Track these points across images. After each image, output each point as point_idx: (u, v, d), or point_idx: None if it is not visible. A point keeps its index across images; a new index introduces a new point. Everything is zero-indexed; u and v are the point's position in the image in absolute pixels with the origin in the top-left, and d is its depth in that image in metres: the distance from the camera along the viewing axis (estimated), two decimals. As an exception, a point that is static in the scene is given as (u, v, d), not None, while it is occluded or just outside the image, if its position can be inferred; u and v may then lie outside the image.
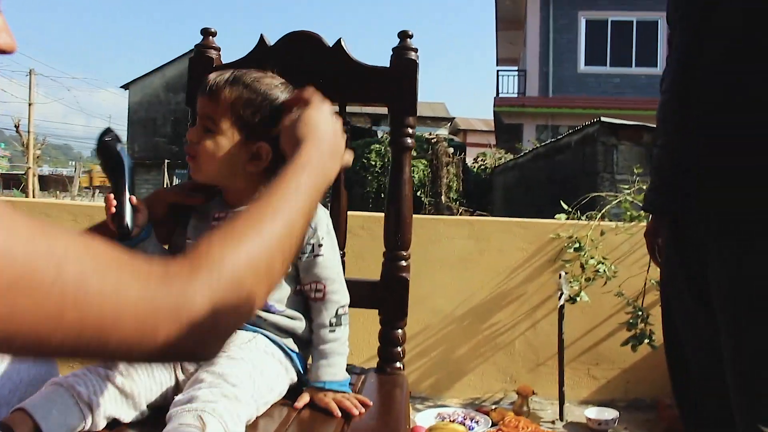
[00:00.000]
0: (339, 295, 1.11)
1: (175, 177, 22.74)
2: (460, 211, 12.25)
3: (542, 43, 16.15)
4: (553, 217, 3.11)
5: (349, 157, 0.99)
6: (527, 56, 16.95)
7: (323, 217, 1.13)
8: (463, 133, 26.02)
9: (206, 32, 1.40)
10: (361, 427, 1.01)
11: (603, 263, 2.83)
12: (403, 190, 1.31)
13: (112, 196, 1.03)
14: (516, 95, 17.67)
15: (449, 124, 26.86)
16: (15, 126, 18.53)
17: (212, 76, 1.11)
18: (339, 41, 1.33)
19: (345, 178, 1.38)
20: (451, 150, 13.11)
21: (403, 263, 1.32)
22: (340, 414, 1.03)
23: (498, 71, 18.74)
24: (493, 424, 2.52)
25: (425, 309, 2.94)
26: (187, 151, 1.11)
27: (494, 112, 16.83)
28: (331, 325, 1.10)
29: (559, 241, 2.96)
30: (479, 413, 2.63)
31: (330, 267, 1.11)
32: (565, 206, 3.13)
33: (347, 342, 1.12)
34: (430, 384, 3.00)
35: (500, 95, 17.61)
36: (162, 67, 25.80)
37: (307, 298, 1.13)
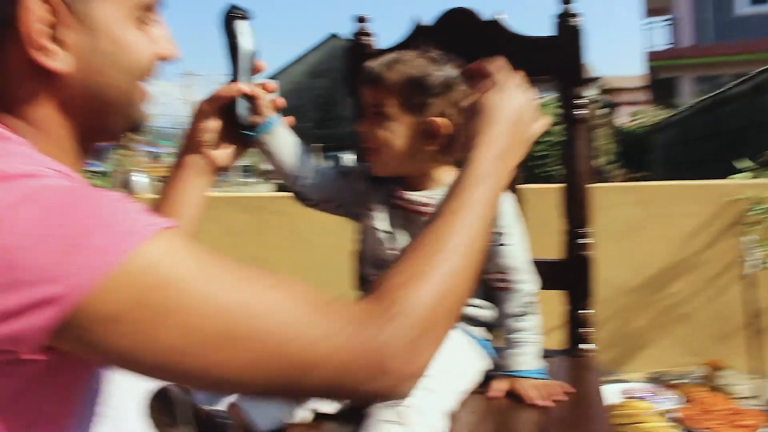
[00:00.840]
0: (526, 285, 1.08)
1: (325, 159, 23.55)
2: (618, 173, 11.70)
3: (696, -14, 14.94)
4: (721, 176, 2.87)
5: (542, 126, 0.94)
6: (678, 3, 15.73)
7: (506, 203, 1.09)
8: (614, 92, 24.77)
9: (360, 19, 1.40)
10: (561, 415, 0.97)
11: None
12: (579, 164, 1.25)
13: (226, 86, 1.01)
14: (669, 46, 16.50)
15: (597, 84, 25.69)
16: (175, 126, 19.99)
17: (371, 64, 1.10)
18: (495, 16, 1.29)
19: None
20: (601, 112, 12.51)
21: (587, 240, 1.26)
22: (543, 402, 1.00)
23: (646, 23, 17.58)
24: (682, 401, 2.38)
25: (595, 282, 2.83)
26: (365, 145, 1.10)
27: (648, 67, 15.84)
28: (518, 314, 1.06)
29: (739, 203, 2.72)
30: (667, 389, 2.49)
31: (515, 256, 1.08)
32: (743, 165, 2.87)
33: (537, 331, 1.08)
34: (610, 358, 2.88)
35: (651, 48, 16.51)
36: (303, 56, 26.73)
37: (494, 287, 1.10)
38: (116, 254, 0.54)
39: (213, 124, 1.01)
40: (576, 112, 1.25)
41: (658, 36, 17.51)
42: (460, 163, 1.12)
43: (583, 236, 1.26)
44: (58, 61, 0.65)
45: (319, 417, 0.97)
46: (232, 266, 0.62)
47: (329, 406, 0.98)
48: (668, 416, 2.20)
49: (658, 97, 16.32)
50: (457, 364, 1.01)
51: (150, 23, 0.74)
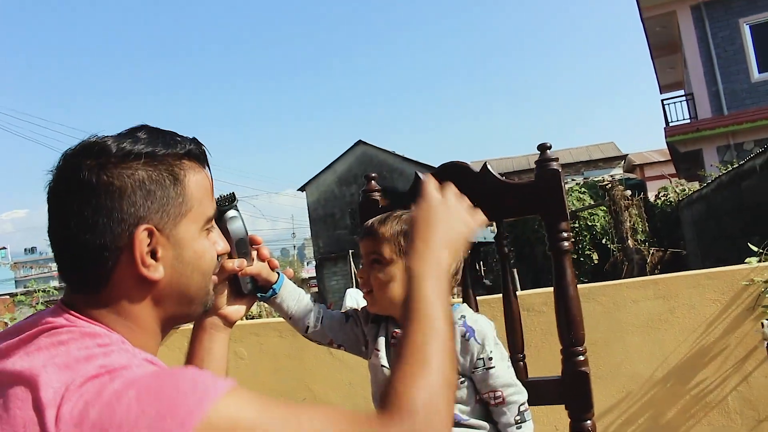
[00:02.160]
0: (518, 396, 1.24)
1: (360, 265, 23.73)
2: (651, 251, 11.66)
3: (705, 61, 15.25)
4: (747, 254, 2.96)
5: (480, 219, 1.14)
6: (691, 78, 16.05)
7: (488, 330, 1.28)
8: (640, 168, 24.86)
9: (368, 178, 1.63)
10: None
11: (809, 303, 2.64)
12: (568, 291, 1.41)
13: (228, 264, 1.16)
14: (688, 120, 16.71)
15: (623, 162, 25.84)
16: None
17: (367, 223, 1.33)
18: (485, 165, 1.49)
19: (513, 283, 1.51)
20: (629, 192, 12.61)
21: (581, 358, 1.40)
22: None
23: (663, 100, 17.89)
24: (719, 491, 2.41)
25: (622, 376, 2.91)
26: (362, 289, 1.32)
27: (668, 142, 16.01)
28: (516, 423, 1.22)
29: (755, 286, 2.82)
30: (701, 480, 2.52)
31: (502, 375, 1.24)
32: (753, 248, 2.98)
33: None
34: (643, 452, 2.92)
35: (670, 124, 16.73)
36: (332, 164, 27.50)
37: (487, 405, 1.26)
38: (200, 412, 0.69)
39: (222, 289, 1.20)
40: (561, 244, 1.43)
41: (678, 110, 17.74)
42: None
43: (579, 354, 1.40)
44: (157, 272, 0.87)
45: None
46: (283, 404, 0.81)
47: None
48: None
49: (683, 169, 16.41)
50: None
51: (211, 230, 0.99)
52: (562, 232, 1.43)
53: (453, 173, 1.52)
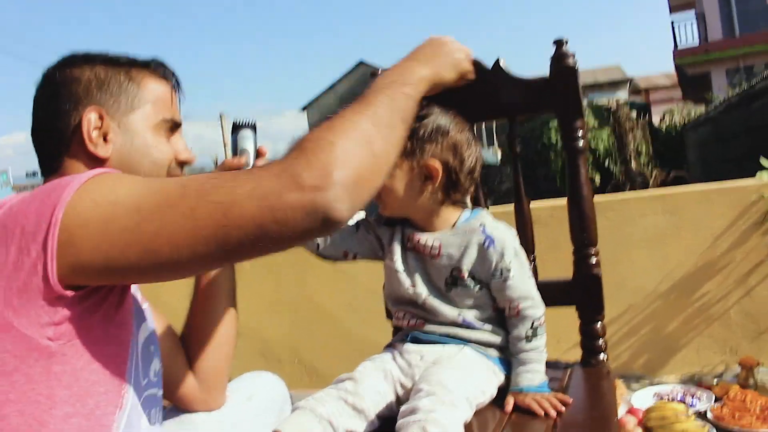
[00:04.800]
0: (533, 310, 1.20)
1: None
2: (654, 174, 11.63)
3: (719, -21, 14.79)
4: (754, 173, 2.92)
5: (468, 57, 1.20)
6: (704, -3, 15.60)
7: (509, 239, 1.22)
8: (645, 92, 24.51)
9: (373, 74, 1.55)
10: (572, 422, 1.09)
11: (819, 219, 2.62)
12: (582, 191, 1.37)
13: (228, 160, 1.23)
14: (697, 42, 16.34)
15: (628, 85, 25.48)
16: (214, 163, 20.48)
17: None
18: (497, 61, 1.42)
19: (524, 188, 1.47)
20: (634, 114, 12.46)
21: (593, 260, 1.37)
22: (542, 412, 1.12)
23: (672, 21, 17.44)
24: (717, 399, 2.44)
25: (627, 290, 2.91)
26: (375, 200, 1.26)
27: (675, 65, 15.70)
28: (527, 337, 1.19)
29: (764, 201, 2.78)
30: (700, 389, 2.55)
31: (520, 287, 1.20)
32: (765, 163, 2.93)
33: (544, 349, 1.20)
34: (643, 362, 2.95)
35: (679, 46, 16.36)
36: (333, 85, 27.14)
37: (503, 314, 1.23)
38: (74, 187, 0.76)
39: None
40: (575, 143, 1.37)
41: (687, 31, 17.31)
42: (464, 203, 1.27)
43: (591, 256, 1.37)
44: (103, 150, 1.00)
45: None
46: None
47: (360, 426, 1.11)
48: (701, 416, 2.26)
49: (690, 93, 16.16)
50: (474, 377, 1.15)
51: (172, 136, 1.09)
52: (577, 131, 1.37)
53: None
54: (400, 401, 1.15)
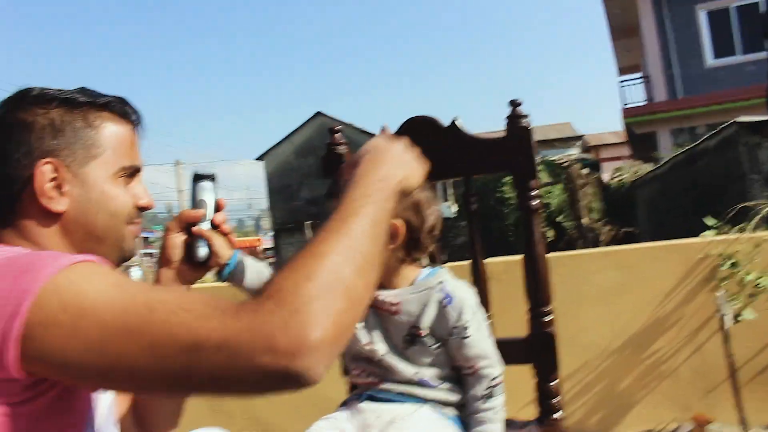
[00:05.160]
0: (490, 369, 1.20)
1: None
2: (604, 230, 11.87)
3: (662, 45, 15.48)
4: (702, 229, 3.00)
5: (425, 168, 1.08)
6: (648, 61, 16.31)
7: (468, 298, 1.22)
8: (595, 149, 25.24)
9: (332, 131, 1.57)
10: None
11: (764, 276, 2.69)
12: (536, 250, 1.39)
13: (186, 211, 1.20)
14: (644, 102, 16.99)
15: (579, 143, 26.20)
16: (168, 211, 20.21)
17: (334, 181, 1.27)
18: (453, 121, 1.45)
19: (480, 245, 1.48)
20: (585, 171, 12.78)
21: (548, 318, 1.38)
22: None
23: (620, 81, 18.14)
24: (671, 457, 2.45)
25: (578, 345, 2.93)
26: None
27: (624, 124, 16.26)
28: (483, 396, 1.19)
29: (711, 259, 2.86)
30: (653, 447, 2.56)
31: (477, 345, 1.20)
32: (710, 222, 3.02)
33: (502, 408, 1.19)
34: (598, 420, 2.95)
35: (627, 105, 16.99)
36: (290, 135, 27.22)
37: (461, 373, 1.22)
38: (44, 278, 0.73)
39: (178, 240, 1.19)
40: (530, 202, 1.40)
41: (634, 92, 18.02)
42: (424, 260, 1.27)
43: (545, 314, 1.38)
44: (59, 204, 0.94)
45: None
46: (133, 282, 0.79)
47: None
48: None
49: (638, 151, 16.70)
50: None
51: (131, 183, 1.03)
52: (531, 191, 1.40)
53: (421, 127, 1.47)
54: None
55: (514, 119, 1.41)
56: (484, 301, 1.46)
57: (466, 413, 1.21)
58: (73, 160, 0.95)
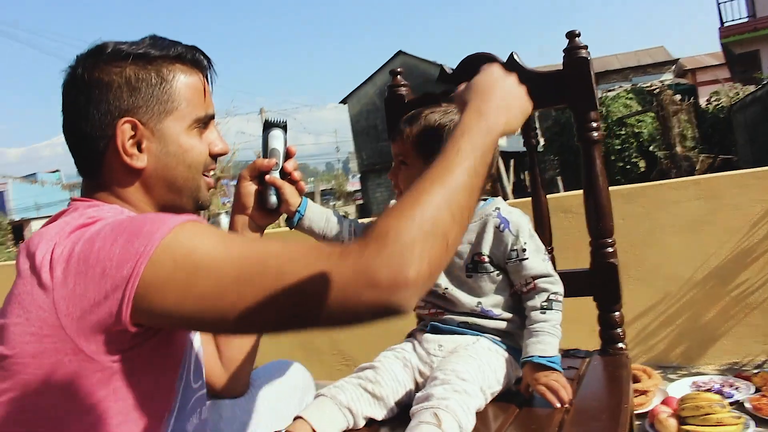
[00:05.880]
0: (549, 285, 1.22)
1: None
2: (700, 158, 11.34)
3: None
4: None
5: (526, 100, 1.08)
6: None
7: (523, 222, 1.25)
8: (692, 73, 23.84)
9: (393, 73, 1.60)
10: (585, 410, 1.11)
11: None
12: (598, 182, 1.38)
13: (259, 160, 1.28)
14: (746, 19, 15.81)
15: (673, 67, 24.82)
16: (256, 156, 20.79)
17: (398, 123, 1.31)
18: (511, 55, 1.44)
19: (541, 179, 1.48)
20: (678, 96, 12.15)
21: (610, 249, 1.38)
22: (556, 402, 1.13)
23: (719, -2, 16.91)
24: (757, 390, 2.40)
25: (661, 276, 2.88)
26: (394, 191, 1.30)
27: (722, 44, 15.24)
28: (542, 307, 1.20)
29: (804, 185, 2.72)
30: (739, 379, 2.51)
31: (536, 266, 1.22)
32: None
33: (559, 326, 1.20)
34: (680, 352, 2.92)
35: (725, 23, 15.86)
36: (372, 76, 27.12)
37: (521, 296, 1.25)
38: (156, 240, 0.79)
39: (252, 189, 1.28)
40: (590, 133, 1.38)
41: (734, 8, 16.79)
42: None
43: (608, 246, 1.38)
44: (140, 161, 0.99)
45: (372, 423, 1.15)
46: (237, 237, 0.86)
47: (379, 413, 1.15)
48: (739, 407, 2.23)
49: (738, 73, 15.69)
50: (490, 366, 1.17)
51: (205, 131, 1.06)
52: (591, 122, 1.38)
53: (479, 63, 1.47)
54: (419, 389, 1.18)
55: (572, 51, 1.39)
56: (546, 238, 1.47)
57: (524, 331, 1.24)
58: (150, 117, 0.98)
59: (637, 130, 12.37)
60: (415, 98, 1.56)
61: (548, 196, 2.92)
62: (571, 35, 1.39)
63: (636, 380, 2.39)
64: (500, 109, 0.99)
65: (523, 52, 1.36)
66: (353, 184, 37.27)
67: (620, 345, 1.37)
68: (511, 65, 1.44)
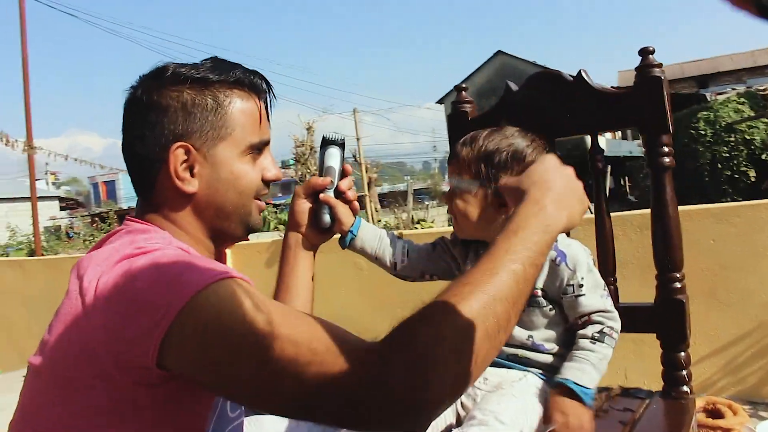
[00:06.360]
0: (604, 319, 1.14)
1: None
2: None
3: None
4: None
5: (584, 205, 0.99)
6: None
7: (581, 255, 1.17)
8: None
9: (458, 89, 1.55)
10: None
11: None
12: (667, 210, 1.28)
13: (314, 179, 1.26)
14: None
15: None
16: (353, 156, 21.01)
17: (456, 144, 1.26)
18: (579, 73, 1.36)
19: (607, 202, 1.40)
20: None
21: (677, 285, 1.28)
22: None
23: None
24: None
25: (755, 304, 2.68)
26: (450, 213, 1.26)
27: None
28: (592, 337, 1.12)
29: None
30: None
31: (593, 303, 1.15)
32: None
33: (605, 362, 1.11)
34: (774, 387, 2.71)
35: None
36: (470, 76, 26.85)
37: (575, 331, 1.18)
38: (191, 291, 0.77)
39: (306, 207, 1.27)
40: (662, 159, 1.29)
41: None
42: None
43: (675, 280, 1.28)
44: (191, 186, 0.98)
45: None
46: (275, 305, 0.82)
47: None
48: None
49: None
50: (531, 410, 1.11)
51: (259, 157, 1.05)
52: (663, 146, 1.29)
53: (545, 82, 1.41)
54: (460, 422, 1.14)
55: (645, 69, 1.30)
56: (609, 265, 1.38)
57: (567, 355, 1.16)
58: (203, 143, 0.98)
59: (748, 137, 11.63)
60: (479, 116, 1.51)
61: (637, 211, 2.77)
62: (644, 52, 1.30)
63: (719, 416, 2.23)
64: (561, 203, 0.93)
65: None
66: (448, 184, 36.97)
67: (684, 388, 1.27)
68: (580, 83, 1.36)
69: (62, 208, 30.18)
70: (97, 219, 21.16)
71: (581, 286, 1.15)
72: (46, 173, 34.43)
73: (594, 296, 1.15)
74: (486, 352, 0.77)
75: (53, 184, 38.80)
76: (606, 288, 1.19)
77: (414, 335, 0.74)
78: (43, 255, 10.65)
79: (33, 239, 12.45)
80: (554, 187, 0.95)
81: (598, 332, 1.13)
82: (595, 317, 1.14)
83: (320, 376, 0.74)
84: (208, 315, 0.77)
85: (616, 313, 1.16)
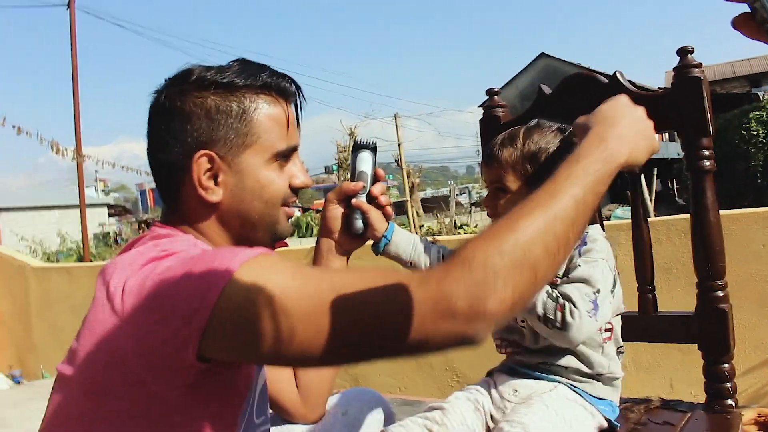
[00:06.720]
0: (576, 291, 1.08)
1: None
2: None
3: None
4: None
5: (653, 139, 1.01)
6: None
7: (597, 246, 1.13)
8: None
9: (491, 92, 1.52)
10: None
11: None
12: (708, 217, 1.23)
13: (346, 183, 1.24)
14: None
15: None
16: (395, 160, 21.01)
17: (489, 146, 1.23)
18: (615, 74, 1.32)
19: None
20: None
21: (719, 293, 1.23)
22: None
23: None
24: None
25: None
26: (491, 217, 1.22)
27: None
28: (554, 297, 1.08)
29: None
30: None
31: (584, 273, 1.10)
32: None
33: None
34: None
35: None
36: (513, 79, 26.61)
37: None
38: (227, 272, 0.76)
39: (338, 212, 1.24)
40: (702, 162, 1.24)
41: None
42: None
43: (717, 288, 1.23)
44: (215, 195, 0.95)
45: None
46: (310, 269, 0.83)
47: None
48: None
49: None
50: (565, 420, 1.07)
51: (286, 164, 1.02)
52: (703, 150, 1.24)
53: (579, 84, 1.37)
54: None
55: (683, 69, 1.25)
56: (647, 271, 1.33)
57: (601, 389, 1.14)
58: (228, 150, 0.95)
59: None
60: (512, 119, 1.48)
61: (681, 216, 2.69)
62: (683, 51, 1.25)
63: (768, 428, 2.14)
64: (624, 139, 0.93)
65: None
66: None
67: (729, 401, 1.21)
68: (615, 85, 1.32)
69: (111, 215, 30.91)
70: (144, 226, 21.61)
71: (579, 266, 1.10)
72: (95, 180, 35.37)
73: (585, 266, 1.10)
74: (546, 268, 0.77)
75: (102, 191, 39.79)
76: (612, 270, 1.13)
77: (475, 249, 0.74)
78: (91, 261, 10.90)
79: (82, 246, 12.79)
80: (619, 123, 0.96)
81: (559, 299, 1.07)
82: (568, 287, 1.08)
83: (382, 310, 0.74)
84: (253, 290, 0.76)
85: (589, 300, 1.07)
